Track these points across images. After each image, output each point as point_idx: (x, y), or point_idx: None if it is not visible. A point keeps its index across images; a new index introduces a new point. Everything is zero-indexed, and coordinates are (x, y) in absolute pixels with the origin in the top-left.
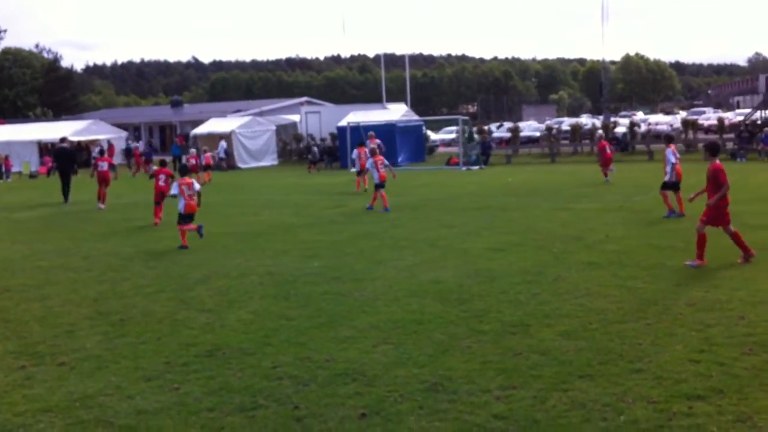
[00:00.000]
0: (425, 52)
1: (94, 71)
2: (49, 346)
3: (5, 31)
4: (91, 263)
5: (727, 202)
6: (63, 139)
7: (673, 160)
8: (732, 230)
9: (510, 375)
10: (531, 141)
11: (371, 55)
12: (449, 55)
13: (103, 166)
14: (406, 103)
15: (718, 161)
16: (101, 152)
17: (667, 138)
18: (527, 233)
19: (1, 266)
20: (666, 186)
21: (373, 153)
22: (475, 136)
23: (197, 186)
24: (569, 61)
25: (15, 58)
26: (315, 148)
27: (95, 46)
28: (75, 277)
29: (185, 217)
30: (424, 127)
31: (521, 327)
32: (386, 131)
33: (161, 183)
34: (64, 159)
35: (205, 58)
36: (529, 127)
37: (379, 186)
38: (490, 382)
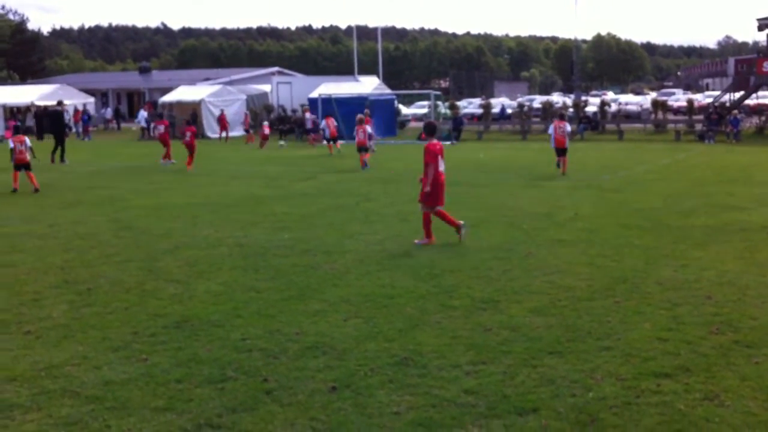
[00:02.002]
0: (398, 25)
1: (61, 35)
2: (14, 314)
3: None
4: (57, 231)
5: (441, 182)
6: (59, 103)
7: (550, 131)
8: (437, 210)
9: (480, 350)
10: (502, 118)
11: (344, 26)
12: (422, 29)
13: (160, 128)
14: (379, 77)
15: (435, 141)
16: (160, 116)
17: (561, 116)
18: (498, 209)
19: None
20: (557, 152)
21: (360, 122)
22: (447, 111)
23: (28, 143)
24: (542, 38)
25: None
26: (309, 116)
27: (61, 9)
28: (41, 244)
29: (17, 166)
30: (396, 101)
31: (491, 303)
32: (358, 104)
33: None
34: (59, 122)
35: (175, 25)
36: (501, 104)
37: (360, 150)
38: (460, 357)
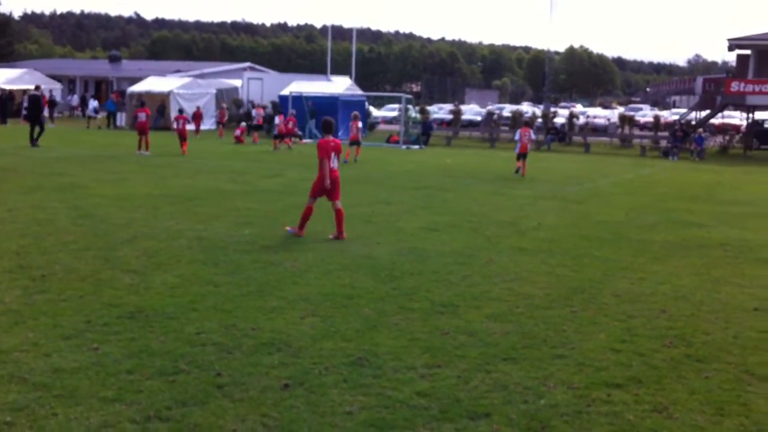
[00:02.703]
0: (374, 27)
1: (32, 19)
2: None
3: None
4: (15, 216)
5: (334, 178)
6: (37, 87)
7: (516, 137)
8: (338, 207)
9: (435, 354)
10: (472, 125)
11: (319, 25)
12: (397, 32)
13: (142, 116)
14: (351, 77)
15: (328, 137)
16: (142, 104)
17: (526, 123)
18: (462, 215)
19: None
20: (518, 157)
21: (355, 118)
22: (417, 115)
23: None
24: (515, 48)
25: None
26: (255, 113)
27: None
28: None
29: None
30: (366, 103)
31: (450, 307)
32: (329, 104)
33: None
34: (37, 106)
35: (148, 15)
36: (471, 111)
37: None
38: (415, 360)
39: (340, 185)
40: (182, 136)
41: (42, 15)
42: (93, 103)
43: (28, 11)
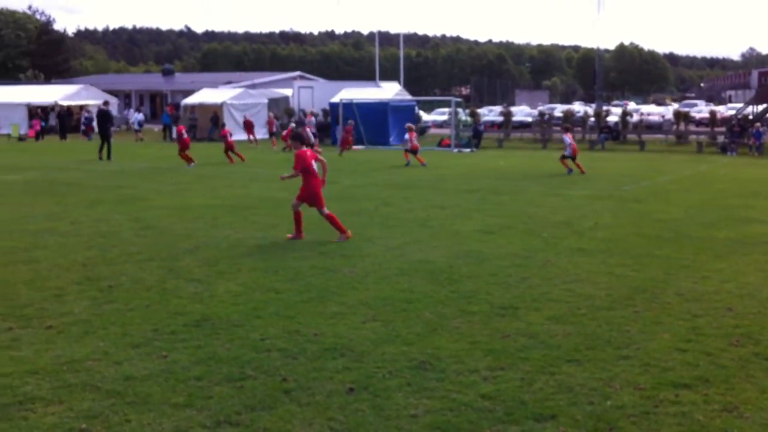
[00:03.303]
0: (420, 32)
1: (86, 36)
2: (36, 309)
3: None
4: (79, 228)
5: (317, 185)
6: (105, 103)
7: (568, 141)
8: (326, 213)
9: (498, 356)
10: (523, 126)
11: (366, 32)
12: (444, 36)
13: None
14: (400, 83)
15: (303, 148)
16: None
17: (565, 128)
18: (517, 217)
19: None
20: (564, 157)
21: (410, 129)
22: (468, 118)
23: None
24: (564, 47)
25: (7, 19)
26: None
27: (85, 10)
28: (63, 241)
29: None
30: (416, 108)
31: (510, 309)
32: (379, 110)
33: None
34: (106, 121)
35: (198, 28)
36: (521, 112)
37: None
38: (478, 363)
39: (321, 193)
40: (229, 147)
41: (95, 31)
42: (137, 117)
43: (82, 28)
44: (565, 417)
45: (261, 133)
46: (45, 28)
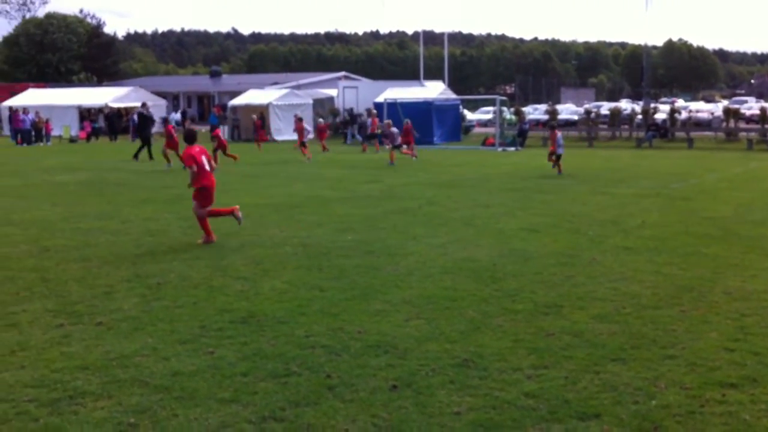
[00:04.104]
0: (465, 31)
1: (135, 39)
2: (87, 306)
3: None
4: (129, 227)
5: (210, 185)
6: (144, 105)
7: (561, 142)
8: (203, 212)
9: (542, 355)
10: (568, 124)
11: (410, 31)
12: (489, 35)
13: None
14: (444, 82)
15: (193, 146)
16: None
17: (552, 126)
18: (562, 216)
19: (42, 227)
20: (556, 156)
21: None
22: (512, 117)
23: None
24: (611, 44)
25: (59, 24)
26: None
27: (135, 13)
28: (114, 240)
29: None
30: (461, 107)
31: (554, 308)
32: (423, 109)
33: None
34: (146, 123)
35: (245, 30)
36: (567, 110)
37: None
38: (521, 361)
39: (214, 191)
40: (221, 147)
41: (144, 34)
42: (173, 116)
43: (132, 31)
44: (610, 416)
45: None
46: (96, 31)
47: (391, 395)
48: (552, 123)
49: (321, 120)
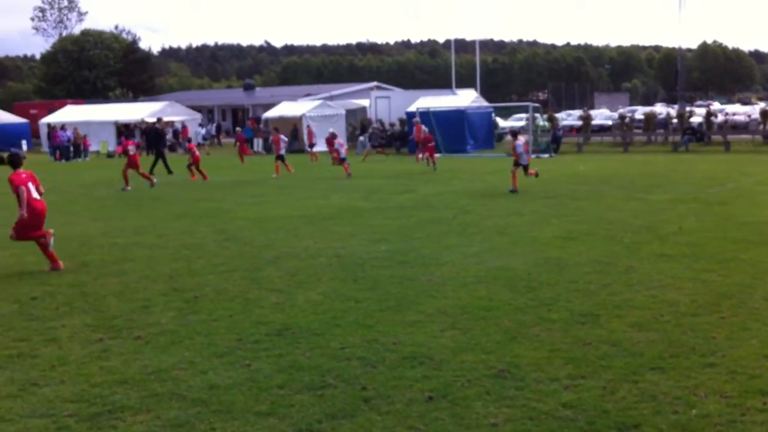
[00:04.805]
0: (496, 38)
1: (170, 54)
2: (125, 320)
3: (86, 13)
4: (166, 241)
5: (39, 211)
6: (159, 120)
7: (520, 150)
8: (16, 237)
9: (579, 364)
10: (603, 129)
11: (441, 40)
12: (520, 41)
13: (131, 149)
14: (476, 89)
15: (19, 171)
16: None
17: (513, 133)
18: (597, 223)
19: (80, 242)
20: (520, 166)
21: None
22: (546, 123)
23: None
24: (645, 47)
25: (95, 40)
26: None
27: (169, 29)
28: (151, 254)
29: None
30: (493, 114)
31: (591, 317)
32: (455, 117)
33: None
34: (158, 138)
35: (277, 42)
36: (601, 116)
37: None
38: (558, 371)
39: (45, 218)
40: (195, 162)
41: (179, 49)
42: (202, 131)
43: (166, 46)
44: (649, 426)
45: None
46: (131, 47)
47: (428, 407)
48: (512, 129)
49: (331, 130)
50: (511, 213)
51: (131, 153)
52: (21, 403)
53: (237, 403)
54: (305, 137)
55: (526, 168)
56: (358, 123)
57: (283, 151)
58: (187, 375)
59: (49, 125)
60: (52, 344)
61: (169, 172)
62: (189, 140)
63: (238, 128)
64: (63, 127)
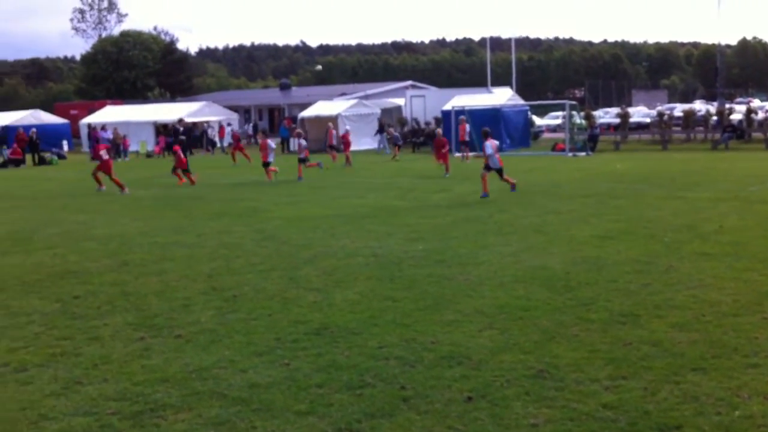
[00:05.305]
0: (532, 35)
1: (207, 54)
2: (166, 318)
3: (126, 15)
4: (204, 240)
5: None
6: (180, 121)
7: (489, 151)
8: None
9: (619, 365)
10: (640, 127)
11: (477, 38)
12: (557, 38)
13: (103, 154)
14: (512, 87)
15: None
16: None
17: (484, 133)
18: (636, 221)
19: (121, 241)
20: (491, 170)
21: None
22: (582, 121)
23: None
24: (683, 44)
25: (135, 41)
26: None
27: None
28: (190, 253)
29: None
30: (529, 112)
31: (631, 317)
32: (491, 116)
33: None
34: (176, 137)
35: (313, 42)
36: (639, 113)
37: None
38: (598, 372)
39: None
40: (180, 165)
41: (216, 50)
42: (229, 129)
43: (203, 47)
44: (691, 428)
45: (372, 143)
46: (169, 48)
47: (467, 407)
48: (483, 129)
49: (348, 128)
50: (547, 212)
51: (104, 158)
52: (65, 401)
53: (277, 401)
54: (328, 137)
55: (500, 171)
56: (394, 121)
57: (271, 158)
58: (228, 373)
59: (89, 126)
60: (94, 343)
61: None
62: (176, 141)
63: (231, 127)
64: (104, 127)
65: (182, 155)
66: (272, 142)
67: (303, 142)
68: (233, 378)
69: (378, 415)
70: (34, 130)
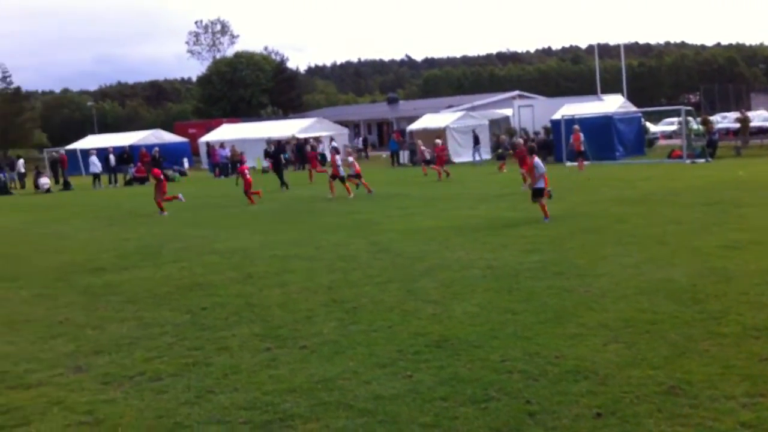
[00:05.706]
0: (642, 41)
1: (315, 71)
2: (290, 330)
3: (238, 36)
4: (322, 253)
5: None
6: (278, 142)
7: (542, 169)
8: None
9: (756, 382)
10: (762, 131)
11: (584, 45)
12: (667, 43)
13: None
14: (623, 94)
15: None
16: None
17: (530, 149)
18: (764, 231)
19: (243, 254)
20: (542, 194)
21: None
22: (699, 127)
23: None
24: None
25: (247, 61)
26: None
27: (314, 47)
28: (309, 265)
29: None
30: (642, 119)
31: (765, 331)
32: (602, 124)
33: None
34: (279, 154)
35: (418, 56)
36: (760, 117)
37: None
38: (734, 389)
39: None
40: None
41: (324, 67)
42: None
43: (312, 65)
44: None
45: (484, 153)
46: (280, 67)
47: (596, 423)
48: (530, 144)
49: (438, 141)
50: (668, 221)
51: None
52: (198, 409)
53: (402, 414)
54: (418, 151)
55: (541, 192)
56: (502, 132)
57: (342, 172)
58: (352, 384)
59: (207, 144)
60: (224, 353)
61: (282, 184)
62: (241, 163)
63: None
64: (222, 145)
65: (248, 175)
66: (339, 157)
67: (350, 159)
68: (358, 389)
69: (504, 429)
70: (156, 149)
